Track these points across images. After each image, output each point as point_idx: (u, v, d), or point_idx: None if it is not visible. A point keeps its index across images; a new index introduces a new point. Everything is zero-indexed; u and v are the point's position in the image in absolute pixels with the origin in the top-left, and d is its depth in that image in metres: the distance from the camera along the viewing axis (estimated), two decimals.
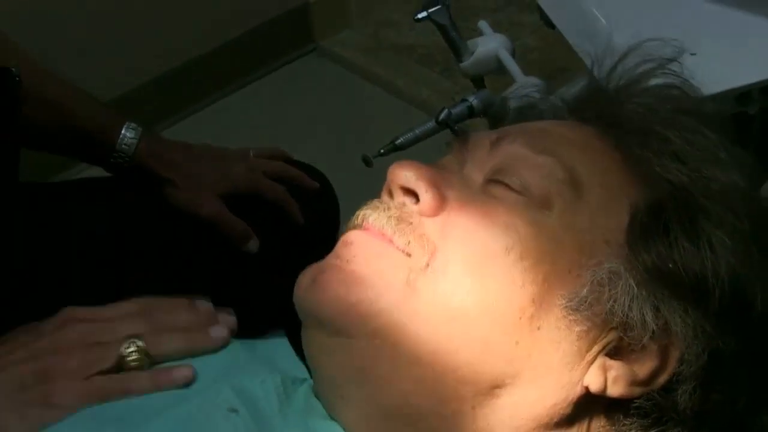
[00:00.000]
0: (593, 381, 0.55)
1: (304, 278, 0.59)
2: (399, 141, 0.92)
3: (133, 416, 0.57)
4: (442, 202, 0.57)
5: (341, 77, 2.17)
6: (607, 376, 0.55)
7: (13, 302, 0.78)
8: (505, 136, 0.61)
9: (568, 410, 0.56)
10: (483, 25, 1.03)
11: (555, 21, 0.97)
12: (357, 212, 0.60)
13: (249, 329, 0.66)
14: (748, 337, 0.56)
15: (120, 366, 0.61)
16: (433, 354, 0.54)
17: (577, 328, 0.55)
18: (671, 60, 0.63)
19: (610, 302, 0.55)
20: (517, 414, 0.55)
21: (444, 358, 0.54)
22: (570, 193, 0.57)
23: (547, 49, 1.95)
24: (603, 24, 0.91)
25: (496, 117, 0.73)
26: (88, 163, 0.98)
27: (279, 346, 0.65)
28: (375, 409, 0.56)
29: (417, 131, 0.92)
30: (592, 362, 0.55)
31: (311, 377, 0.61)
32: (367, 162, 0.93)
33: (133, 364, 0.61)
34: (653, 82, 0.63)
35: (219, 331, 0.64)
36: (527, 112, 0.69)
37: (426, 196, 0.57)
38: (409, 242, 0.56)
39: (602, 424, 0.57)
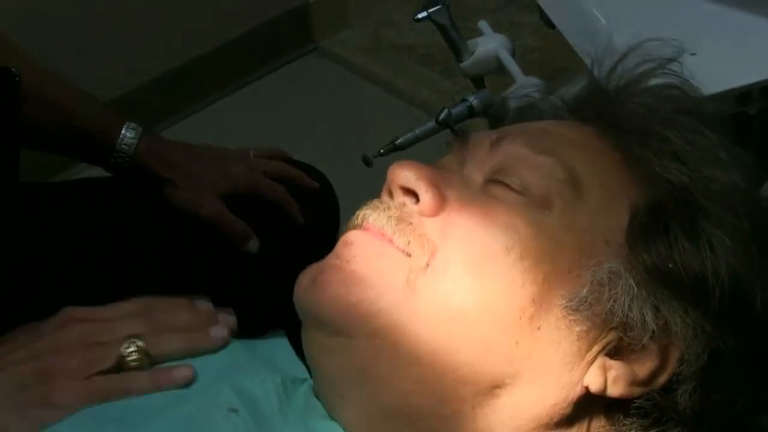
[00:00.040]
0: (593, 381, 0.55)
1: (304, 278, 0.59)
2: (399, 141, 0.92)
3: (132, 416, 0.57)
4: (442, 202, 0.57)
5: (341, 77, 2.17)
6: (607, 376, 0.55)
7: (13, 302, 0.78)
8: (505, 136, 0.61)
9: (568, 410, 0.56)
10: (483, 25, 1.03)
11: (555, 21, 0.97)
12: (357, 212, 0.60)
13: (249, 329, 0.66)
14: (748, 337, 0.56)
15: (120, 366, 0.61)
16: (433, 354, 0.54)
17: (577, 328, 0.55)
18: (671, 60, 0.63)
19: (610, 302, 0.55)
20: (517, 414, 0.55)
21: (444, 358, 0.54)
22: (570, 193, 0.57)
23: (547, 49, 1.95)
24: (603, 24, 0.91)
25: (496, 117, 0.73)
26: (88, 163, 0.98)
27: (279, 346, 0.65)
28: (375, 409, 0.56)
29: (417, 131, 0.92)
30: (592, 362, 0.55)
31: (311, 377, 0.61)
32: (367, 162, 0.92)
33: (133, 364, 0.61)
34: (653, 82, 0.63)
35: (219, 331, 0.64)
36: (527, 112, 0.69)
37: (426, 196, 0.57)
38: (409, 242, 0.56)
39: (602, 424, 0.57)
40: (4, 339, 0.63)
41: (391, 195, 0.60)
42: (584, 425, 0.57)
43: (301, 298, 0.58)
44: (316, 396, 0.60)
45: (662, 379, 0.56)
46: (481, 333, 0.54)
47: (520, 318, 0.54)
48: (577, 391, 0.55)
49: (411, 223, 0.57)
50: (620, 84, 0.64)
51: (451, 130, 0.91)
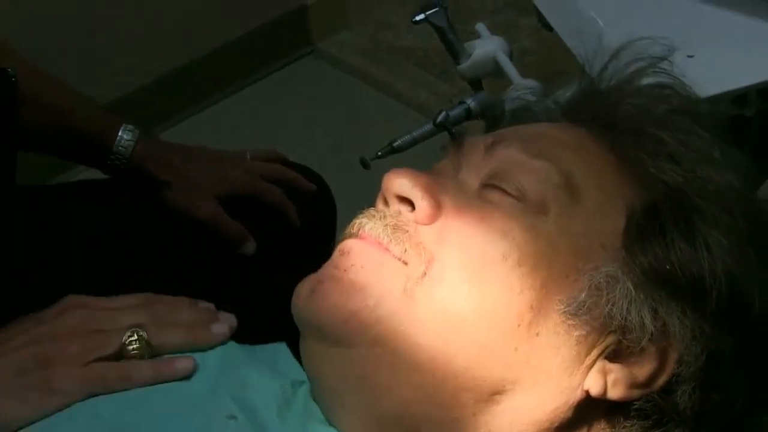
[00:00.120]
0: (593, 384, 0.55)
1: (303, 288, 0.58)
2: (396, 143, 0.92)
3: (131, 421, 0.57)
4: (437, 210, 0.57)
5: (339, 79, 2.17)
6: (606, 380, 0.55)
7: (13, 302, 0.78)
8: (500, 140, 0.61)
9: (569, 414, 0.56)
10: (481, 27, 1.03)
11: (553, 24, 0.97)
12: (353, 221, 0.59)
13: (248, 331, 0.66)
14: (747, 337, 0.56)
15: (120, 354, 0.60)
16: (432, 361, 0.54)
17: (576, 333, 0.55)
18: (662, 58, 0.63)
19: (609, 306, 0.55)
20: (518, 419, 0.55)
21: (443, 365, 0.54)
22: (566, 198, 0.57)
23: (545, 52, 1.95)
24: (600, 27, 0.91)
25: (494, 120, 0.73)
26: (85, 165, 0.98)
27: (278, 349, 0.65)
28: (376, 416, 0.56)
29: (414, 134, 0.92)
30: (591, 366, 0.55)
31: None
32: (364, 164, 0.92)
33: (133, 352, 0.60)
34: (645, 81, 0.63)
35: (220, 328, 0.64)
36: (522, 115, 0.69)
37: (422, 203, 0.57)
38: (405, 250, 0.56)
39: (603, 426, 0.57)
40: (6, 327, 0.64)
41: (386, 203, 0.59)
42: (585, 428, 0.57)
43: (300, 308, 0.58)
44: (315, 399, 0.60)
45: (661, 380, 0.56)
46: (480, 339, 0.54)
47: (519, 324, 0.54)
48: (577, 395, 0.55)
49: (407, 232, 0.57)
50: (612, 84, 0.64)
51: (448, 133, 0.91)
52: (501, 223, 0.56)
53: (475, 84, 1.02)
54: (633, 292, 0.55)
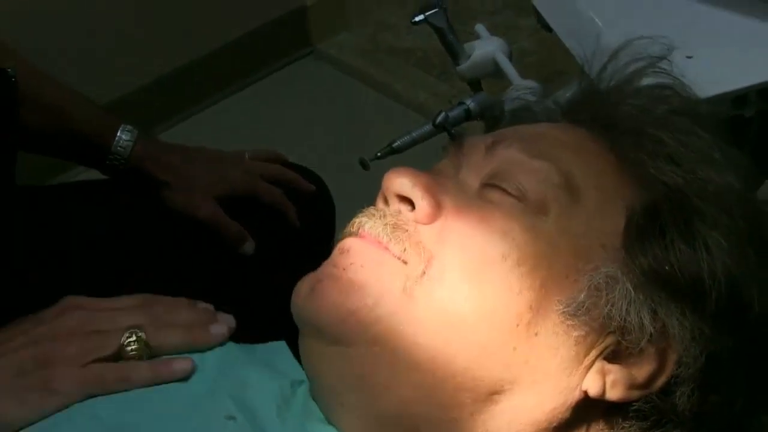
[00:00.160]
0: (592, 385, 0.55)
1: (302, 287, 0.58)
2: (396, 144, 0.92)
3: (130, 422, 0.56)
4: (437, 209, 0.57)
5: (338, 80, 2.17)
6: (605, 380, 0.55)
7: (12, 303, 0.78)
8: (500, 140, 0.61)
9: (567, 415, 0.56)
10: (480, 28, 1.03)
11: (552, 24, 0.97)
12: (353, 219, 0.59)
13: (247, 331, 0.66)
14: (746, 338, 0.56)
15: (119, 355, 0.61)
16: (431, 360, 0.54)
17: (575, 333, 0.55)
18: (661, 58, 0.63)
19: (608, 307, 0.55)
20: (516, 419, 0.55)
21: (442, 365, 0.54)
22: (566, 198, 0.57)
23: (545, 53, 1.95)
24: (600, 27, 0.91)
25: (493, 120, 0.73)
26: (84, 165, 0.98)
27: (277, 348, 0.65)
28: (375, 416, 0.56)
29: (414, 134, 0.92)
30: (590, 367, 0.55)
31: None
32: (364, 165, 0.92)
33: (132, 353, 0.61)
34: (645, 81, 0.63)
35: (219, 329, 0.64)
36: (521, 115, 0.69)
37: (422, 203, 0.57)
38: (405, 249, 0.56)
39: (601, 427, 0.57)
40: (5, 328, 0.64)
41: (386, 202, 0.59)
42: (583, 429, 0.57)
43: (300, 307, 0.58)
44: (314, 398, 0.60)
45: (660, 381, 0.56)
46: (479, 339, 0.54)
47: (518, 324, 0.54)
48: (575, 396, 0.55)
49: (407, 231, 0.57)
50: (612, 84, 0.64)
51: (448, 133, 0.91)
52: (501, 223, 0.56)
53: (475, 85, 1.02)
54: (632, 292, 0.55)
